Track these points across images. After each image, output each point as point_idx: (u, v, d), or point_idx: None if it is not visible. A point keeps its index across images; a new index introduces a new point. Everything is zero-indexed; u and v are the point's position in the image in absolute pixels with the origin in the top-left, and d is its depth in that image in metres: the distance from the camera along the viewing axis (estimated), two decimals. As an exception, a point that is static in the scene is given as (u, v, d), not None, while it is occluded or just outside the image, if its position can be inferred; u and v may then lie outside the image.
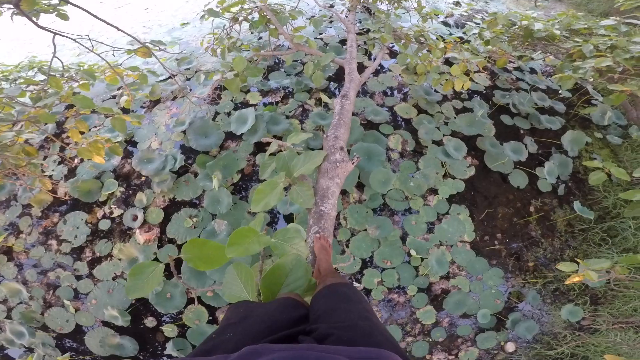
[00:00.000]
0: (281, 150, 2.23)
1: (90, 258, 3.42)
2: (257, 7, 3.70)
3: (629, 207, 2.56)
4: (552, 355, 3.42)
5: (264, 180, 2.26)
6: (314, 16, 5.01)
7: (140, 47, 3.13)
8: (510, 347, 3.44)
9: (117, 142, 3.22)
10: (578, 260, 2.56)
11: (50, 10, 2.80)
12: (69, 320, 3.33)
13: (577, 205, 3.41)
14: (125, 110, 3.98)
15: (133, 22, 5.87)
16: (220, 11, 3.64)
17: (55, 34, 2.66)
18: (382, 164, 3.43)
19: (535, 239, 3.55)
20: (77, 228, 3.48)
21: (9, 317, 3.41)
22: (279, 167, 2.09)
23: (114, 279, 3.35)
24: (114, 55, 3.61)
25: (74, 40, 2.84)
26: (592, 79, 3.12)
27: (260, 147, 3.63)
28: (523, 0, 7.07)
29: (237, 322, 1.11)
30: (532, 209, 3.61)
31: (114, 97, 4.23)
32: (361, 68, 4.07)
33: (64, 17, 2.85)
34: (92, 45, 3.00)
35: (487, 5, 6.32)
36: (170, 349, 3.21)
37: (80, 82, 3.24)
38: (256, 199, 1.86)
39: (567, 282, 2.60)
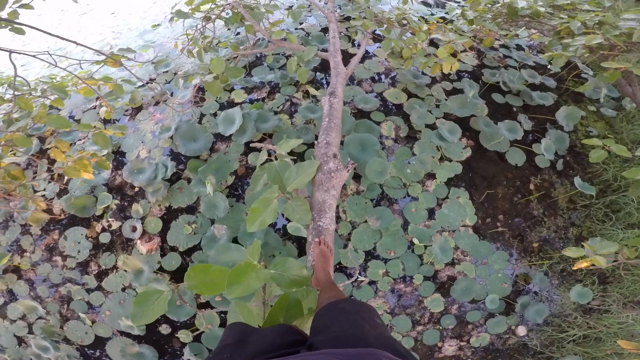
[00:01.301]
0: (271, 159, 2.29)
1: (96, 271, 3.61)
2: (228, 4, 3.79)
3: (633, 186, 2.68)
4: (564, 337, 3.59)
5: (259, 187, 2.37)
6: (292, 6, 5.12)
7: (107, 57, 3.16)
8: (521, 330, 3.61)
9: (103, 156, 3.29)
10: (585, 244, 2.65)
11: (2, 25, 2.73)
12: (88, 332, 3.61)
13: (577, 181, 3.56)
14: (107, 121, 4.10)
15: (100, 28, 5.92)
16: (190, 11, 3.72)
17: (10, 52, 2.63)
18: (377, 154, 3.57)
19: (537, 218, 3.72)
20: (79, 243, 3.64)
21: (31, 332, 3.68)
22: (270, 179, 2.16)
23: (123, 289, 3.55)
24: (80, 67, 3.66)
25: (34, 56, 2.86)
26: (584, 57, 3.26)
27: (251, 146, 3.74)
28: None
29: (234, 343, 1.18)
30: (532, 186, 3.79)
31: (95, 107, 4.29)
32: (346, 55, 4.21)
33: (19, 31, 2.77)
34: (55, 61, 3.01)
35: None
36: (187, 354, 3.43)
37: (52, 99, 3.26)
38: (251, 218, 1.93)
39: (575, 267, 2.71)
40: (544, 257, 3.66)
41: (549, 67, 4.62)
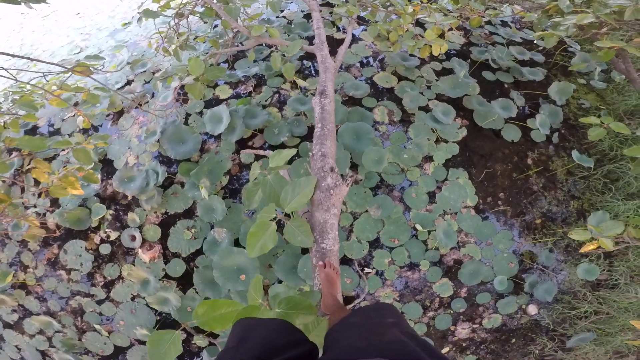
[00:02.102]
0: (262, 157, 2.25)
1: (103, 282, 3.67)
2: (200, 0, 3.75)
3: (635, 163, 2.75)
4: (575, 314, 3.70)
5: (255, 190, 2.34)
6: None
7: (73, 67, 3.06)
8: (532, 309, 3.71)
9: (90, 169, 3.24)
10: (590, 226, 2.73)
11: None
12: (107, 343, 3.73)
13: (575, 154, 3.66)
14: (90, 128, 4.07)
15: (67, 30, 5.83)
16: (159, 9, 3.65)
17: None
18: (373, 142, 3.61)
19: (538, 193, 3.81)
20: (80, 256, 3.69)
21: (52, 346, 3.81)
22: (265, 196, 2.12)
23: (132, 299, 3.63)
24: (45, 79, 3.59)
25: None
26: (575, 35, 3.31)
27: (243, 143, 3.77)
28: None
29: (236, 345, 1.20)
30: (529, 161, 3.88)
31: (74, 114, 4.24)
32: (331, 42, 4.23)
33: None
34: (14, 76, 2.91)
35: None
36: (205, 357, 3.57)
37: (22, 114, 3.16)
38: (251, 243, 1.92)
39: (582, 251, 2.78)
40: (548, 234, 3.75)
41: (535, 42, 4.70)
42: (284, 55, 3.90)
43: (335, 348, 1.21)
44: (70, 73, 3.07)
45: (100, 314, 3.66)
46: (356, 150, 3.57)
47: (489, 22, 4.91)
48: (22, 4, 2.57)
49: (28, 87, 3.83)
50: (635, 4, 2.89)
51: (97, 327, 3.64)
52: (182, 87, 3.92)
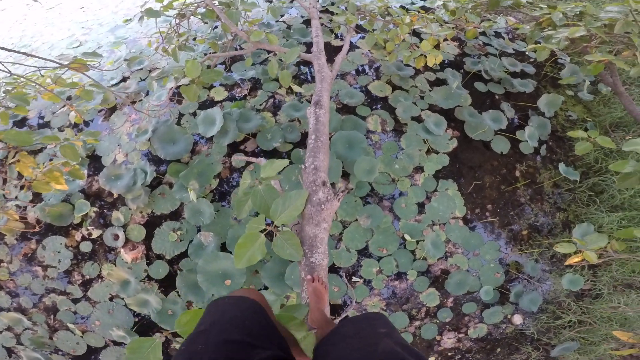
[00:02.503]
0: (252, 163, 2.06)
1: (80, 281, 3.33)
2: (202, 1, 3.46)
3: (620, 178, 2.57)
4: (560, 324, 3.51)
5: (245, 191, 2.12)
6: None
7: (70, 63, 2.79)
8: (517, 319, 3.52)
9: (76, 165, 2.96)
10: (575, 239, 2.59)
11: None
12: (79, 343, 3.36)
13: (562, 167, 3.48)
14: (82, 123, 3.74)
15: (69, 24, 5.47)
16: (161, 9, 3.40)
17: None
18: (365, 151, 3.37)
19: (525, 205, 3.61)
20: (59, 252, 3.35)
21: (20, 343, 3.42)
22: (256, 206, 1.94)
23: (110, 299, 3.30)
24: (40, 74, 3.30)
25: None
26: (566, 48, 3.13)
27: (235, 146, 3.48)
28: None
29: (208, 328, 1.06)
30: (517, 173, 3.67)
31: (65, 106, 3.93)
32: (329, 49, 3.95)
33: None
34: (9, 70, 2.65)
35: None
36: None
37: (13, 107, 2.89)
38: (238, 254, 1.75)
39: (566, 264, 2.63)
40: (534, 245, 3.56)
41: (527, 53, 4.45)
42: (281, 60, 3.61)
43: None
44: (66, 68, 2.82)
45: (75, 312, 3.32)
46: (348, 159, 3.31)
47: (483, 33, 4.65)
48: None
49: (22, 79, 3.56)
50: (626, 17, 2.72)
51: (71, 326, 3.30)
52: (177, 87, 3.64)
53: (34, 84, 3.04)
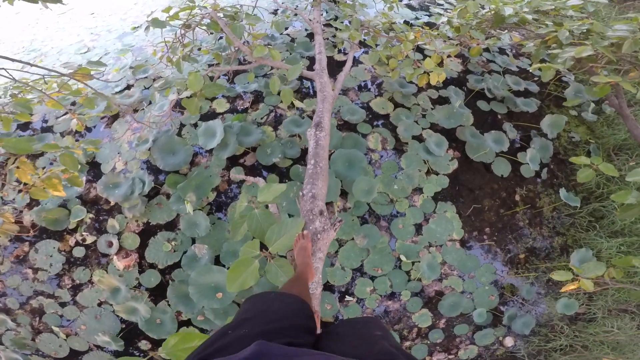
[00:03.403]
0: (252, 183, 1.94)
1: (70, 285, 3.21)
2: (208, 13, 3.31)
3: (621, 209, 2.44)
4: (551, 347, 3.36)
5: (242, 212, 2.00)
6: (276, 10, 4.64)
7: (75, 70, 2.66)
8: (509, 341, 3.38)
9: (75, 172, 2.84)
10: (572, 267, 2.52)
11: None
12: (62, 346, 3.22)
13: (562, 192, 3.34)
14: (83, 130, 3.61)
15: (79, 29, 5.34)
16: (167, 19, 3.26)
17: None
18: (364, 171, 3.22)
19: (523, 230, 3.46)
20: (51, 256, 3.23)
21: (0, 343, 3.26)
22: (251, 230, 1.85)
23: (99, 305, 3.17)
24: (44, 81, 3.17)
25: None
26: (572, 68, 2.94)
27: (234, 159, 3.33)
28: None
29: (253, 316, 1.09)
30: (517, 197, 3.51)
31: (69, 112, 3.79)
32: (331, 63, 3.79)
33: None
34: (13, 77, 2.53)
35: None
36: None
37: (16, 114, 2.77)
38: (231, 278, 1.66)
39: (562, 290, 2.54)
40: (530, 269, 3.41)
41: (530, 71, 4.26)
42: (284, 74, 3.45)
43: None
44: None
45: (61, 316, 3.18)
46: (347, 179, 3.16)
47: (486, 50, 4.47)
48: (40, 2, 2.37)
49: (30, 83, 3.44)
50: (633, 34, 2.56)
51: (56, 329, 3.16)
52: (180, 99, 3.50)
53: (39, 90, 2.93)
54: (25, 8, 6.07)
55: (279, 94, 2.80)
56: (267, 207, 2.05)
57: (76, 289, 3.20)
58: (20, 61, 2.48)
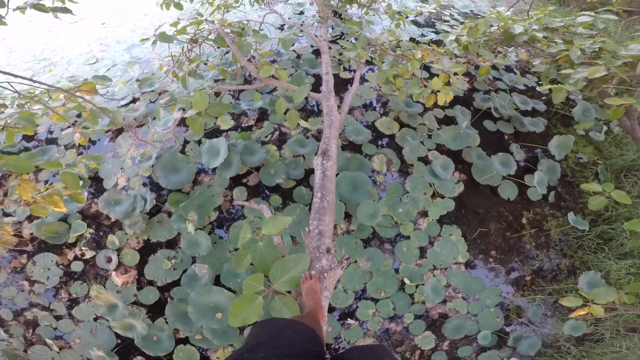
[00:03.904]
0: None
1: (67, 299, 3.10)
2: (215, 28, 3.20)
3: (634, 237, 2.35)
4: (557, 369, 3.21)
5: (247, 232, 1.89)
6: (283, 25, 4.53)
7: (80, 85, 2.56)
8: (513, 362, 3.22)
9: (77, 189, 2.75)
10: (582, 292, 2.48)
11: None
12: (55, 358, 3.08)
13: (571, 216, 3.20)
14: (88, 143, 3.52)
15: (89, 39, 5.27)
16: (175, 34, 3.16)
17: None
18: (369, 194, 3.09)
19: (530, 252, 3.32)
20: (49, 269, 3.13)
21: None
22: (255, 263, 1.74)
23: (95, 319, 3.05)
24: (49, 96, 3.06)
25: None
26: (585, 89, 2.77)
27: (237, 179, 3.22)
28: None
29: (267, 341, 1.10)
30: (524, 220, 3.37)
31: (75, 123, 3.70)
32: (337, 79, 3.66)
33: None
34: (17, 91, 2.44)
35: (453, 0, 5.95)
36: None
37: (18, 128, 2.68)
38: (234, 313, 1.58)
39: (572, 316, 2.47)
40: (537, 290, 3.28)
41: (537, 89, 4.11)
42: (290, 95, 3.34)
43: None
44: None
45: (55, 329, 3.07)
46: (352, 201, 3.05)
47: (493, 67, 4.32)
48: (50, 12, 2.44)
49: (37, 92, 3.36)
50: None
51: (49, 341, 3.05)
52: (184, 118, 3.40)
53: (44, 104, 2.85)
54: (39, 16, 6.00)
55: (285, 113, 2.67)
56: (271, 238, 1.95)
57: (73, 302, 3.10)
58: (22, 77, 2.38)
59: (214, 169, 3.22)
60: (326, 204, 2.10)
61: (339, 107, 2.93)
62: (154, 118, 3.58)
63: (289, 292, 1.76)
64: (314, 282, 1.70)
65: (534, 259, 3.30)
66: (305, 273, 1.72)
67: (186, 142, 3.42)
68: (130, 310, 2.98)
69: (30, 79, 2.38)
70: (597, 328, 3.23)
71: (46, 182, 3.36)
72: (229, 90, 3.73)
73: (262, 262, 1.75)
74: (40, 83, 2.48)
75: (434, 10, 5.27)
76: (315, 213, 2.06)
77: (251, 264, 1.79)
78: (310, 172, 3.21)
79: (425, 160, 3.39)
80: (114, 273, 3.06)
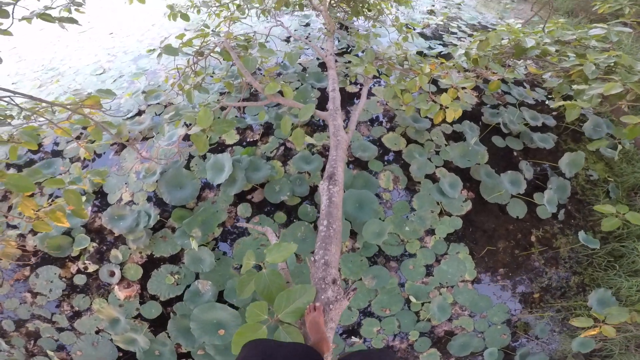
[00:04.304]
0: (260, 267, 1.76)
1: (69, 311, 3.09)
2: (221, 41, 3.18)
3: None
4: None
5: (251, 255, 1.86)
6: (289, 37, 4.51)
7: (83, 100, 2.54)
8: (520, 379, 3.16)
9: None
10: (594, 313, 2.40)
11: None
12: None
13: (581, 235, 3.16)
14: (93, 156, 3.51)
15: (97, 49, 5.29)
16: (180, 46, 3.14)
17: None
18: (375, 213, 3.05)
19: (539, 270, 3.26)
20: (51, 282, 3.13)
21: None
22: (259, 292, 1.71)
23: (97, 332, 3.04)
24: (52, 111, 3.05)
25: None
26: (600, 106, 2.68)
27: (241, 195, 3.19)
28: (492, 4, 6.69)
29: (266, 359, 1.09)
30: (533, 238, 3.31)
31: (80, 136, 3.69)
32: (344, 94, 3.64)
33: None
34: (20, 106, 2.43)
35: (460, 12, 5.92)
36: None
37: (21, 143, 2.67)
38: (237, 342, 1.54)
39: (582, 336, 2.43)
40: (545, 307, 3.22)
41: (550, 105, 4.04)
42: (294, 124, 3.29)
43: None
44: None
45: (57, 340, 3.05)
46: (357, 220, 3.01)
47: (502, 80, 4.25)
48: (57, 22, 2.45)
49: (43, 104, 3.35)
50: None
51: (50, 353, 3.04)
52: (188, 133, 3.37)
53: (47, 119, 2.83)
54: (48, 25, 6.03)
55: (293, 129, 2.61)
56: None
57: (75, 315, 3.08)
58: (22, 94, 2.36)
59: (218, 185, 3.19)
60: (332, 232, 2.04)
61: (345, 124, 2.89)
62: (159, 132, 3.57)
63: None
64: (318, 315, 1.66)
65: (542, 276, 3.25)
66: (310, 304, 1.69)
67: (191, 156, 3.41)
68: (132, 324, 2.97)
69: (31, 96, 2.38)
70: (606, 344, 3.16)
71: (51, 195, 3.35)
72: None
73: (266, 290, 1.72)
74: (40, 101, 2.47)
75: (441, 23, 5.25)
76: (321, 242, 2.01)
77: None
78: (315, 188, 3.18)
79: (432, 178, 3.35)
80: (116, 287, 3.06)
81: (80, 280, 3.11)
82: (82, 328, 3.05)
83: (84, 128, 3.69)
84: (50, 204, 2.56)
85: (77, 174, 3.15)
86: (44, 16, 2.55)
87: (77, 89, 3.40)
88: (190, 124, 2.94)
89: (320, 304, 1.74)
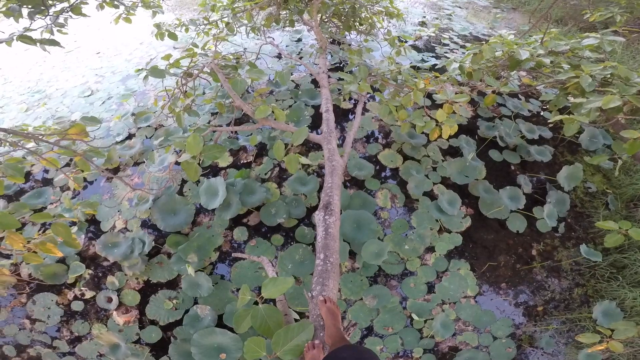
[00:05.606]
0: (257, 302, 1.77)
1: (69, 337, 3.09)
2: (209, 62, 3.20)
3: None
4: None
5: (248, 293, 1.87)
6: (279, 55, 4.56)
7: (67, 128, 2.53)
8: (525, 391, 3.17)
9: (73, 234, 2.71)
10: (600, 328, 2.42)
11: None
12: None
13: (583, 248, 3.19)
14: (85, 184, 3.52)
15: (84, 70, 5.32)
16: (167, 67, 3.15)
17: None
18: (374, 233, 3.09)
19: (541, 283, 3.30)
20: (49, 309, 3.14)
21: None
22: (256, 327, 1.71)
23: (98, 357, 3.03)
24: (37, 145, 3.05)
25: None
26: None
27: (237, 219, 3.21)
28: (483, 14, 6.82)
29: None
30: (534, 252, 3.36)
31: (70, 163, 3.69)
32: (337, 111, 3.69)
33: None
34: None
35: (451, 23, 6.02)
36: None
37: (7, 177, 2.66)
38: None
39: (589, 351, 2.49)
40: (549, 320, 3.24)
41: (547, 120, 4.10)
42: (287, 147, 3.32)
43: None
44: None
45: None
46: (356, 241, 3.05)
47: (497, 93, 4.30)
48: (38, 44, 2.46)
49: (30, 129, 3.34)
50: None
51: None
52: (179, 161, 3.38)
53: (31, 150, 2.82)
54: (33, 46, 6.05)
55: (286, 155, 2.61)
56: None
57: (75, 340, 3.08)
58: (6, 130, 2.36)
59: (213, 209, 3.20)
60: (330, 266, 2.03)
61: (340, 142, 2.90)
62: (149, 159, 3.57)
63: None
64: (318, 353, 1.68)
65: (545, 289, 3.29)
66: (309, 342, 1.70)
67: (184, 181, 3.44)
68: (133, 348, 2.97)
69: (13, 130, 2.36)
70: (613, 354, 3.17)
71: (43, 224, 3.34)
72: (227, 123, 3.73)
73: (263, 325, 1.72)
74: (17, 134, 2.45)
75: (433, 34, 5.33)
76: (318, 277, 2.00)
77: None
78: (312, 210, 3.22)
79: (430, 195, 3.40)
80: (115, 312, 3.07)
81: (77, 306, 3.12)
82: (83, 353, 3.05)
83: (71, 159, 3.69)
84: (42, 234, 2.57)
85: (67, 205, 3.14)
86: (24, 38, 2.54)
87: (61, 116, 3.40)
88: (180, 150, 2.93)
89: (320, 343, 1.75)
